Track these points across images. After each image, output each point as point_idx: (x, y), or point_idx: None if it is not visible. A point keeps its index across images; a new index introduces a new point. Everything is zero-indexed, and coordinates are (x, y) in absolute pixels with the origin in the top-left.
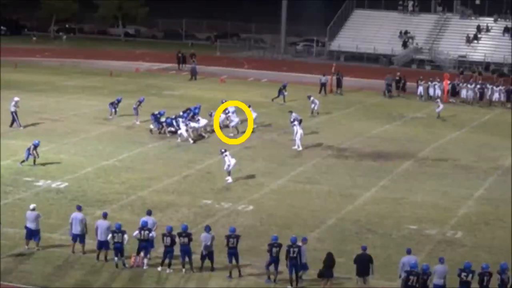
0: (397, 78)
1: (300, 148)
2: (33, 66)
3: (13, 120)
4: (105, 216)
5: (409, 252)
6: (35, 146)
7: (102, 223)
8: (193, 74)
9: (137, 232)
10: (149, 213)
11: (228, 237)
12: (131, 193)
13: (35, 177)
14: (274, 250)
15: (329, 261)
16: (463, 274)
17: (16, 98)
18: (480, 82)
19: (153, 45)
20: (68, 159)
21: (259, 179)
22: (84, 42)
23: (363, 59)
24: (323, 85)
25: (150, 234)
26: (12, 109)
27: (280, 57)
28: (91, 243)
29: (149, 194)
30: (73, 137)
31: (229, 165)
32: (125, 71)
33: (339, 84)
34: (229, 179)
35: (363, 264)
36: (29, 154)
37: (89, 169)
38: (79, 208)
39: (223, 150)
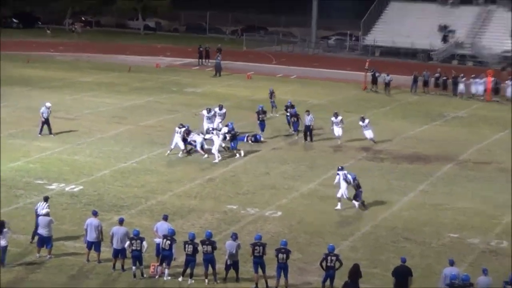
0: (437, 74)
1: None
2: (46, 61)
3: (43, 127)
4: (122, 222)
5: (451, 263)
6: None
7: (119, 230)
8: (218, 70)
9: (159, 240)
10: (165, 218)
11: (254, 245)
12: (150, 197)
13: (48, 180)
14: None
15: (355, 273)
16: (508, 286)
17: (48, 104)
18: None
19: (175, 39)
20: (83, 160)
21: (288, 183)
22: (101, 35)
23: (400, 54)
24: (387, 84)
25: (170, 243)
26: (45, 115)
27: (311, 51)
28: (107, 251)
29: (169, 198)
30: (89, 137)
31: None
32: (144, 67)
33: (374, 81)
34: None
35: (402, 278)
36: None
37: (105, 171)
38: (94, 214)
39: None
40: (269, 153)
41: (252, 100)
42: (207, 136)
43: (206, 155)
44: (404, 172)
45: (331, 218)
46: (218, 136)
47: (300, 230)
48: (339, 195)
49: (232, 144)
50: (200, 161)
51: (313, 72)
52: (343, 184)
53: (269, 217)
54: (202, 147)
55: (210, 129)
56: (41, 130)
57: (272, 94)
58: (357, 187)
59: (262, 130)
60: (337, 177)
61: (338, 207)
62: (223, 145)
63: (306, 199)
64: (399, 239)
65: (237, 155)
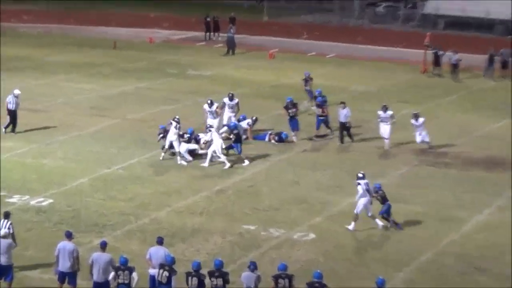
0: None
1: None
2: (7, 34)
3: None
4: (104, 246)
5: None
6: None
7: (100, 257)
8: (230, 46)
9: (154, 271)
10: (160, 242)
11: (277, 278)
12: (141, 215)
13: (8, 191)
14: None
15: None
16: None
17: (16, 91)
18: None
19: (173, 7)
20: (54, 165)
21: (323, 196)
22: (77, 1)
23: (471, 26)
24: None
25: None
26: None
27: (353, 23)
28: (85, 284)
29: (167, 215)
30: (62, 134)
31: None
32: (134, 42)
33: (436, 61)
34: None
35: None
36: None
37: (83, 179)
38: (68, 236)
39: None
40: (298, 156)
41: (275, 86)
42: (207, 137)
43: (189, 160)
44: (476, 181)
45: (379, 242)
46: (219, 135)
47: (338, 258)
48: (369, 214)
49: (234, 146)
50: (206, 167)
51: (355, 50)
52: (364, 198)
53: (298, 240)
54: (197, 153)
55: (208, 125)
56: (8, 125)
57: (307, 80)
58: (383, 200)
59: (294, 129)
60: (359, 187)
61: (382, 225)
62: (223, 146)
63: (346, 218)
64: (470, 270)
65: (243, 162)
